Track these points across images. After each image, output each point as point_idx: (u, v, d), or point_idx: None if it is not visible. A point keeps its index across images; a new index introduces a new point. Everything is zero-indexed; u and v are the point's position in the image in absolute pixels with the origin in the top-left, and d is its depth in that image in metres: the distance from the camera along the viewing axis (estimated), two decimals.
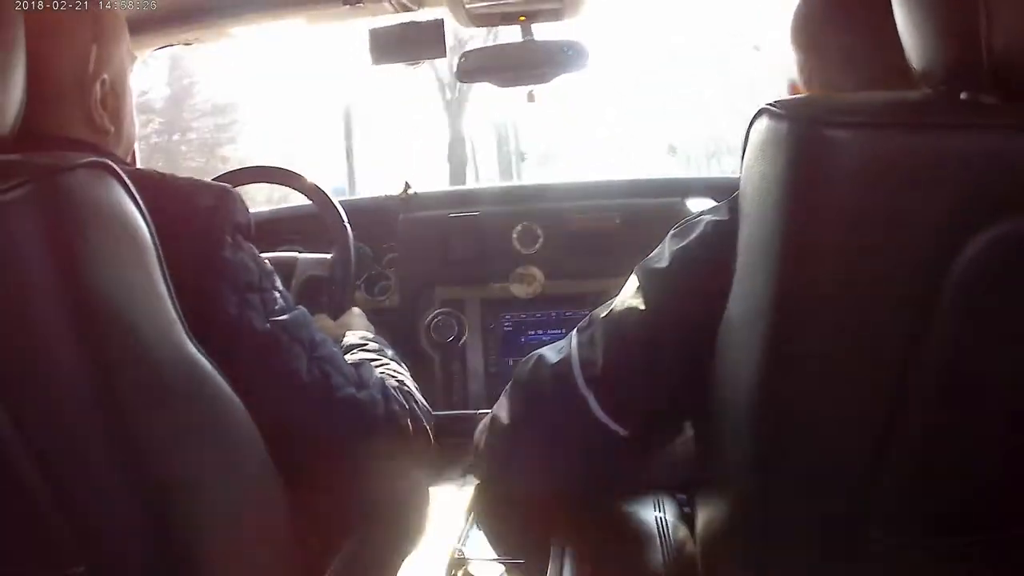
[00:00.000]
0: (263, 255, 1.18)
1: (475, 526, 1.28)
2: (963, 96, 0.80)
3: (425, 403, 1.36)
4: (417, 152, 12.12)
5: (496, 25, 1.95)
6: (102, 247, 0.84)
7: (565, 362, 1.10)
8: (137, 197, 0.89)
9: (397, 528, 1.33)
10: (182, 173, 1.15)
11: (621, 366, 1.06)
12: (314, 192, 1.85)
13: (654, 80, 12.29)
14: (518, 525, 1.27)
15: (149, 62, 1.89)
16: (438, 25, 1.85)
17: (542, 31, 1.93)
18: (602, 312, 1.11)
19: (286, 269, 1.80)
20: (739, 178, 0.90)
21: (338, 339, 1.47)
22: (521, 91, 2.01)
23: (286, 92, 12.44)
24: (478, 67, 1.94)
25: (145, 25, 1.78)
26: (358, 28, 1.97)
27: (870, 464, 0.83)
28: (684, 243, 1.03)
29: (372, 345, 1.46)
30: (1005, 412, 0.81)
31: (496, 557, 1.20)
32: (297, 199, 2.00)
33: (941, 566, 0.90)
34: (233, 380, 1.03)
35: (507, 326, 2.17)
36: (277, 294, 1.16)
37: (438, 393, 2.09)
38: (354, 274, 1.84)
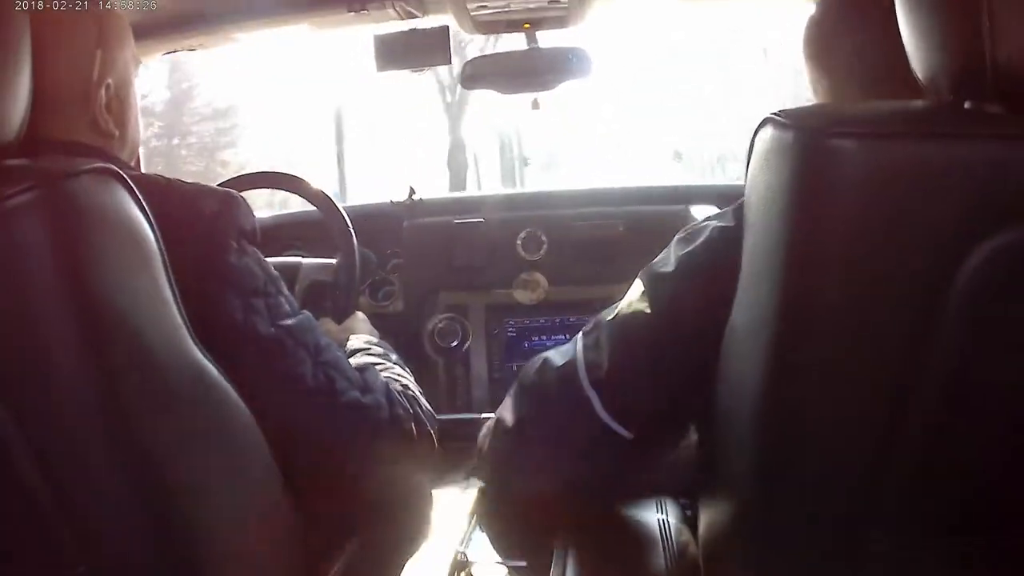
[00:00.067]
0: (268, 260, 1.18)
1: (478, 529, 1.28)
2: (967, 106, 0.80)
3: (429, 407, 1.36)
4: (416, 158, 12.11)
5: (501, 32, 1.96)
6: (107, 252, 0.85)
7: (570, 364, 1.11)
8: (143, 202, 0.90)
9: (400, 531, 1.33)
10: (181, 177, 1.15)
11: (626, 368, 1.06)
12: (319, 197, 1.85)
13: (653, 77, 12.30)
14: (521, 528, 1.28)
15: (149, 65, 1.88)
16: (443, 32, 1.86)
17: (546, 38, 1.94)
18: (607, 315, 1.11)
19: (290, 274, 1.81)
20: (744, 185, 0.91)
21: (342, 344, 1.47)
22: (524, 97, 2.01)
23: (286, 96, 12.46)
24: (482, 74, 1.94)
25: (150, 31, 1.78)
26: (362, 34, 1.98)
27: (872, 468, 0.84)
28: (690, 248, 1.03)
29: (377, 349, 1.47)
30: (1008, 418, 0.81)
31: (499, 560, 1.20)
32: (297, 204, 2.01)
33: (942, 568, 0.90)
34: (238, 384, 1.04)
35: (511, 332, 2.17)
36: (282, 299, 1.17)
37: (442, 398, 2.10)
38: (358, 279, 1.84)
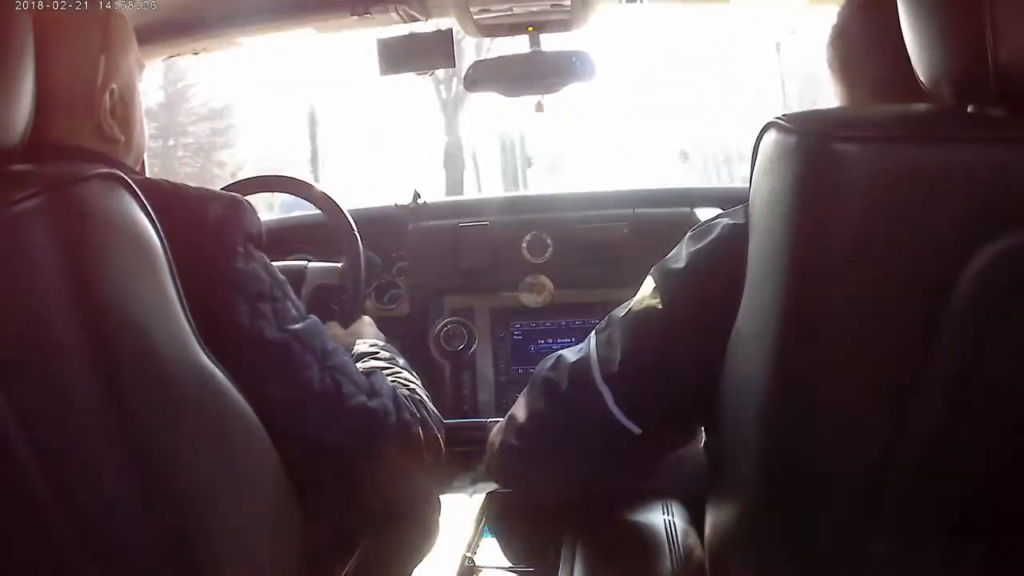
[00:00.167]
0: (274, 264, 1.18)
1: (485, 534, 1.28)
2: (970, 109, 0.81)
3: (436, 411, 1.35)
4: (408, 158, 12.08)
5: (504, 35, 1.95)
6: (114, 258, 0.85)
7: (584, 361, 1.12)
8: (148, 208, 0.90)
9: (408, 536, 1.33)
10: (178, 179, 1.15)
11: (637, 364, 1.07)
12: (324, 201, 1.85)
13: (653, 80, 12.32)
14: (528, 533, 1.28)
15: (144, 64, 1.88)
16: (447, 35, 1.86)
17: (549, 41, 1.94)
18: (620, 312, 1.12)
19: (296, 278, 1.81)
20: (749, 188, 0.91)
21: (349, 347, 1.47)
22: (527, 98, 2.01)
23: (282, 96, 12.46)
24: (486, 77, 1.94)
25: (154, 35, 1.78)
26: (365, 38, 1.98)
27: (876, 473, 0.84)
28: (701, 244, 1.04)
29: (383, 354, 1.46)
30: (1010, 421, 0.81)
31: (506, 565, 1.20)
32: (297, 206, 2.01)
33: (945, 573, 0.90)
34: (244, 389, 1.04)
35: (517, 335, 2.17)
36: (289, 303, 1.16)
37: (448, 402, 2.09)
38: (364, 283, 1.84)
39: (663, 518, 1.30)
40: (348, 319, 1.73)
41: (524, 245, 2.14)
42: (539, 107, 2.02)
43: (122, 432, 0.84)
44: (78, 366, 0.80)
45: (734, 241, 0.96)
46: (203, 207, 1.10)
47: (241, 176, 1.96)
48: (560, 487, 1.25)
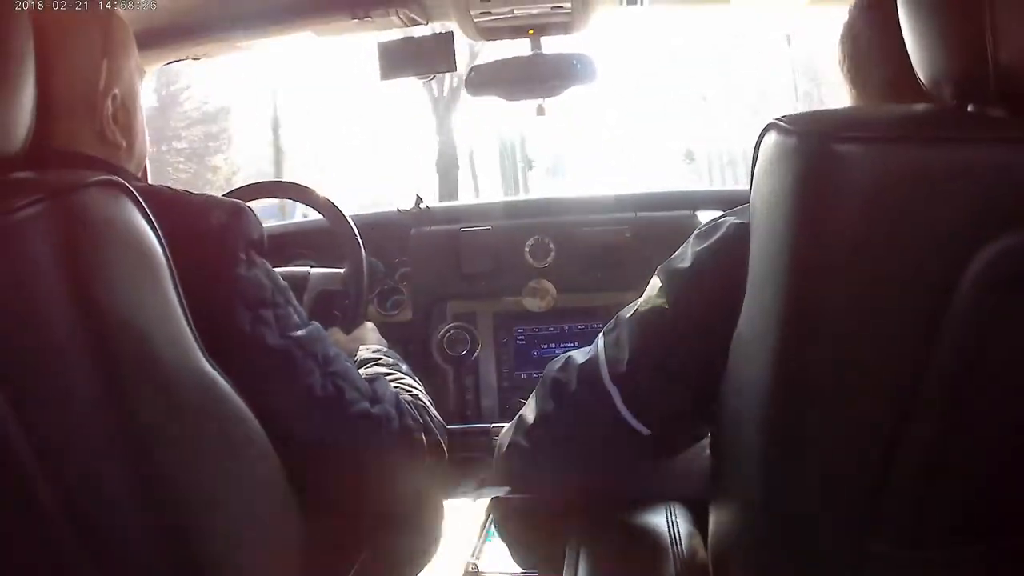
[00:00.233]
0: (276, 270, 1.18)
1: (489, 539, 1.28)
2: (970, 110, 0.81)
3: (439, 417, 1.35)
4: (398, 160, 12.03)
5: (505, 38, 1.95)
6: (115, 265, 0.85)
7: (592, 361, 1.12)
8: (150, 214, 0.90)
9: (411, 542, 1.33)
10: (171, 184, 1.15)
11: (645, 364, 1.08)
12: (326, 206, 1.86)
13: (655, 82, 12.33)
14: (532, 538, 1.28)
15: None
16: (448, 39, 1.86)
17: (550, 44, 1.94)
18: (627, 313, 1.13)
19: (299, 283, 1.81)
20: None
21: (351, 353, 1.47)
22: (528, 101, 2.01)
23: (278, 101, 12.44)
24: (487, 81, 1.94)
25: (154, 40, 1.78)
26: (365, 41, 1.98)
27: (877, 473, 0.84)
28: (706, 244, 1.04)
29: (386, 359, 1.46)
30: (1012, 422, 0.81)
31: (510, 571, 1.19)
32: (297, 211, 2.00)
33: (945, 573, 0.90)
34: (247, 396, 1.04)
35: (520, 340, 2.16)
36: (291, 310, 1.16)
37: (451, 407, 2.09)
38: (367, 288, 1.84)
39: (667, 521, 1.30)
40: (351, 325, 1.73)
41: (527, 249, 2.14)
42: (540, 111, 2.02)
43: (123, 436, 0.84)
44: (79, 372, 0.80)
45: (739, 241, 0.96)
46: (205, 214, 1.10)
47: (236, 181, 1.96)
48: (568, 488, 1.25)
